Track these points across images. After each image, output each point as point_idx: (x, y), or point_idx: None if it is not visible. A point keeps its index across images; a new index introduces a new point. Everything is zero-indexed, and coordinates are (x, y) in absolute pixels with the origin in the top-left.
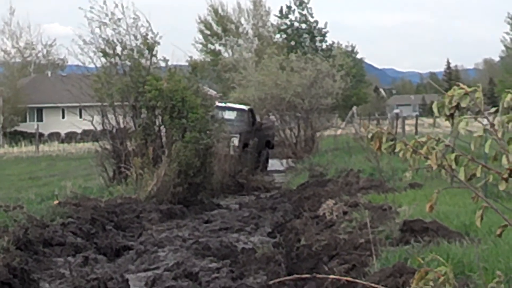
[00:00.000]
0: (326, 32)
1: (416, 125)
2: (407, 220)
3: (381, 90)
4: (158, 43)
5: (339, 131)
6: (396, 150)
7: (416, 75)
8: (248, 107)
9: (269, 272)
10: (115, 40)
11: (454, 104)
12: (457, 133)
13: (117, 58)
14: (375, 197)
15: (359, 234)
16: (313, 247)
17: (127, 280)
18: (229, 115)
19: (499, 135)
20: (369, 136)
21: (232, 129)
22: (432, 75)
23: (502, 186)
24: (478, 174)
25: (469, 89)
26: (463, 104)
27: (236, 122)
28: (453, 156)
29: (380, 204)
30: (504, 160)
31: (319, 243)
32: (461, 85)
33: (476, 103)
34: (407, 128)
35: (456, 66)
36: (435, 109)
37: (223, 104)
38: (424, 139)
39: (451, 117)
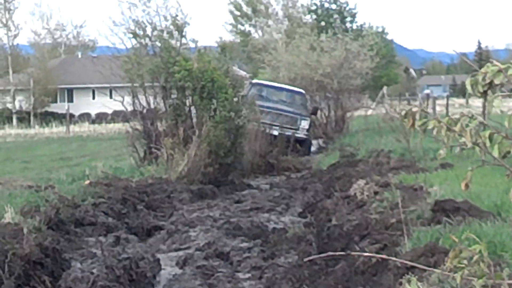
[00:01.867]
0: (356, 13)
1: (447, 106)
2: (438, 200)
3: (412, 71)
4: (188, 24)
5: (369, 112)
6: (429, 127)
7: (446, 56)
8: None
9: (300, 252)
10: (145, 21)
11: (487, 81)
12: (490, 111)
13: (147, 39)
14: (406, 177)
15: (390, 214)
16: (344, 227)
17: (159, 259)
18: (286, 96)
19: None
20: (403, 113)
21: (301, 112)
22: (463, 55)
23: None
24: None
25: (502, 66)
26: (496, 81)
27: (296, 106)
28: (487, 133)
29: (411, 184)
30: None
31: (350, 223)
32: (495, 62)
33: (510, 80)
34: (438, 108)
35: (486, 46)
36: (468, 86)
37: (277, 85)
38: (457, 116)
39: (484, 94)
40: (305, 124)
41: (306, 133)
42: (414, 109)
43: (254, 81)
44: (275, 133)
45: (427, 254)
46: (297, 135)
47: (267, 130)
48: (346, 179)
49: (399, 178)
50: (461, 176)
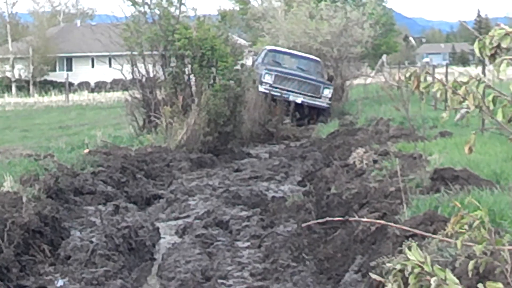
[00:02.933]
0: None
1: (446, 74)
2: (437, 168)
3: (411, 39)
4: None
5: (368, 80)
6: (433, 90)
7: (445, 24)
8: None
9: (299, 221)
10: None
11: (495, 44)
12: (497, 75)
13: (146, 6)
14: (405, 145)
15: (389, 182)
16: (343, 196)
17: (158, 228)
18: (302, 64)
19: None
20: (407, 75)
21: (322, 80)
22: (463, 23)
23: None
24: None
25: (509, 29)
26: (503, 45)
27: (315, 74)
28: (491, 97)
29: (410, 153)
30: None
31: (349, 192)
32: (502, 25)
33: None
34: (437, 76)
35: (486, 15)
36: (476, 49)
37: (294, 52)
38: (465, 79)
39: (492, 57)
40: (327, 92)
41: (328, 101)
42: (419, 71)
43: (269, 47)
44: (298, 101)
45: (426, 222)
46: (319, 103)
47: (290, 98)
48: (345, 147)
49: (398, 146)
50: (460, 145)
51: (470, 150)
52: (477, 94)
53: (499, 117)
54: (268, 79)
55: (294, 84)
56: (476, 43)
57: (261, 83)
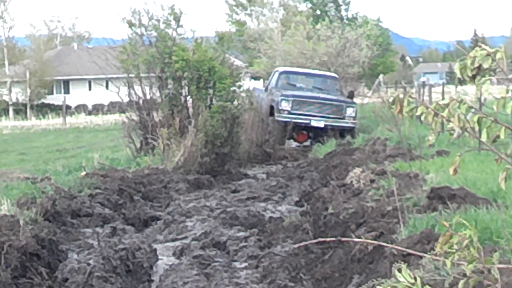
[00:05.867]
0: (349, 1)
1: (443, 93)
2: (434, 187)
3: (408, 59)
4: (184, 14)
5: (365, 100)
6: (418, 113)
7: (442, 44)
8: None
9: (297, 241)
10: (142, 10)
11: (476, 65)
12: (479, 95)
13: (143, 28)
14: (402, 164)
15: (387, 201)
16: (340, 215)
17: (155, 250)
18: (319, 83)
19: None
20: (390, 100)
21: (343, 98)
22: (459, 42)
23: None
24: (502, 136)
25: (491, 50)
26: (485, 65)
27: (334, 92)
28: (475, 118)
29: (407, 172)
30: None
31: (346, 211)
32: (483, 46)
33: (498, 64)
34: (434, 96)
35: (482, 34)
36: (457, 71)
37: (308, 71)
38: (446, 102)
39: (473, 78)
40: (351, 111)
41: (353, 121)
42: (402, 95)
43: (281, 69)
44: (321, 125)
45: (423, 241)
46: (344, 124)
47: (311, 123)
48: (342, 167)
49: (395, 165)
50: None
51: (455, 171)
52: (462, 116)
53: (484, 137)
54: (286, 105)
55: (314, 108)
56: (457, 64)
57: (279, 111)
